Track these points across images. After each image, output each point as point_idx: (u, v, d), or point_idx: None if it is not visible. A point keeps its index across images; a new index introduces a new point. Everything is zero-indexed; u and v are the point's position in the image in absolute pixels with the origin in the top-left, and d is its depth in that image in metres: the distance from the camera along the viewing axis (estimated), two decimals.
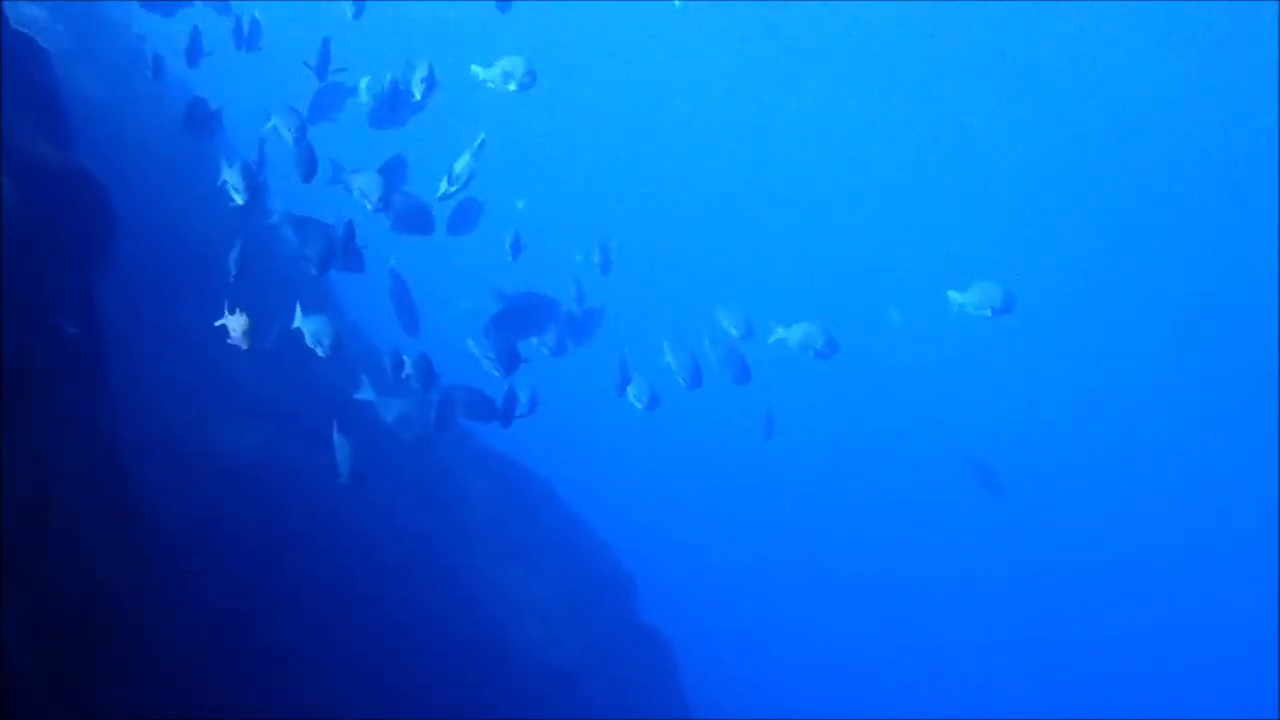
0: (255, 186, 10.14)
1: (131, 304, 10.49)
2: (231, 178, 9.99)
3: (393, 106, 12.11)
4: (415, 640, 12.76)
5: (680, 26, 33.62)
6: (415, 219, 11.87)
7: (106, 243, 8.42)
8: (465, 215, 12.47)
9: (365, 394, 12.19)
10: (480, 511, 15.39)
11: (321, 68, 11.97)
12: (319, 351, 10.08)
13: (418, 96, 11.61)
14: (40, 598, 6.25)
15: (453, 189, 11.65)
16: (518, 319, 12.39)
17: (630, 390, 12.45)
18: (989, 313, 12.86)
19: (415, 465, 13.89)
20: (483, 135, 11.71)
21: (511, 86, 11.45)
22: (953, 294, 13.04)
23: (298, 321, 10.23)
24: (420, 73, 11.52)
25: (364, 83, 12.40)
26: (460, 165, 11.72)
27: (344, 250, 11.10)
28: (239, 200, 10.04)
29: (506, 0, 12.08)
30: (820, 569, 39.29)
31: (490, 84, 11.51)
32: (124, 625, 7.18)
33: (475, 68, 11.50)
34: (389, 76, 12.12)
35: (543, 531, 16.60)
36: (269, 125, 11.26)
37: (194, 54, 11.56)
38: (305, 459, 11.73)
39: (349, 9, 11.35)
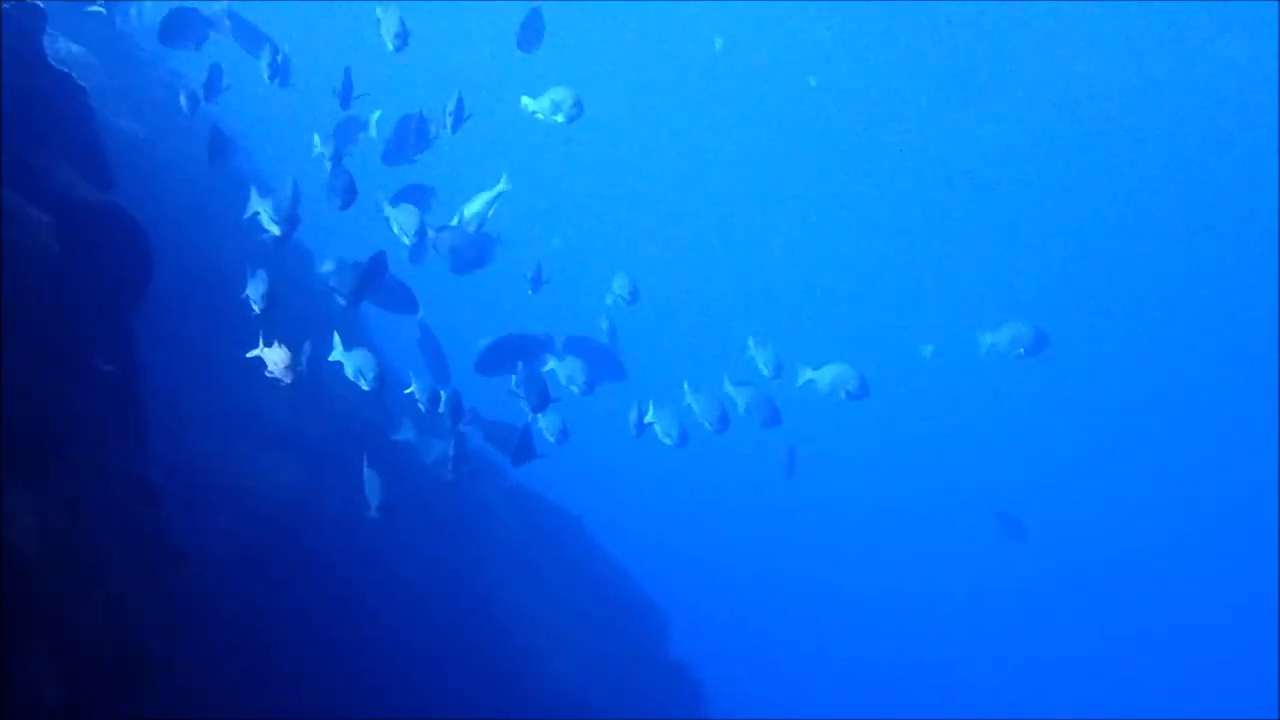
0: (291, 218, 10.09)
1: (166, 338, 10.54)
2: (264, 209, 9.96)
3: (418, 140, 12.11)
4: (445, 671, 12.78)
5: (715, 63, 33.74)
6: (466, 255, 11.82)
7: (142, 280, 8.45)
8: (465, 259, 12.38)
9: (406, 434, 12.16)
10: (509, 545, 15.40)
11: (345, 96, 11.99)
12: (362, 385, 10.08)
13: (448, 128, 11.61)
14: (72, 639, 6.27)
15: None
16: (505, 356, 12.34)
17: (658, 426, 12.36)
18: (1021, 352, 12.71)
19: (445, 500, 13.90)
20: (504, 184, 11.72)
21: (559, 118, 11.41)
22: (983, 335, 12.91)
23: (337, 354, 10.25)
24: (449, 104, 11.53)
25: (375, 116, 12.38)
26: (471, 209, 11.71)
27: (387, 289, 11.10)
28: (276, 231, 10.02)
29: (530, 42, 11.99)
30: (847, 603, 39.25)
31: (539, 115, 11.47)
32: (156, 662, 7.19)
33: (524, 98, 11.48)
34: (417, 112, 12.13)
35: (570, 565, 16.59)
36: (315, 152, 11.30)
37: (213, 89, 11.61)
38: (337, 492, 11.76)
39: (389, 40, 11.33)
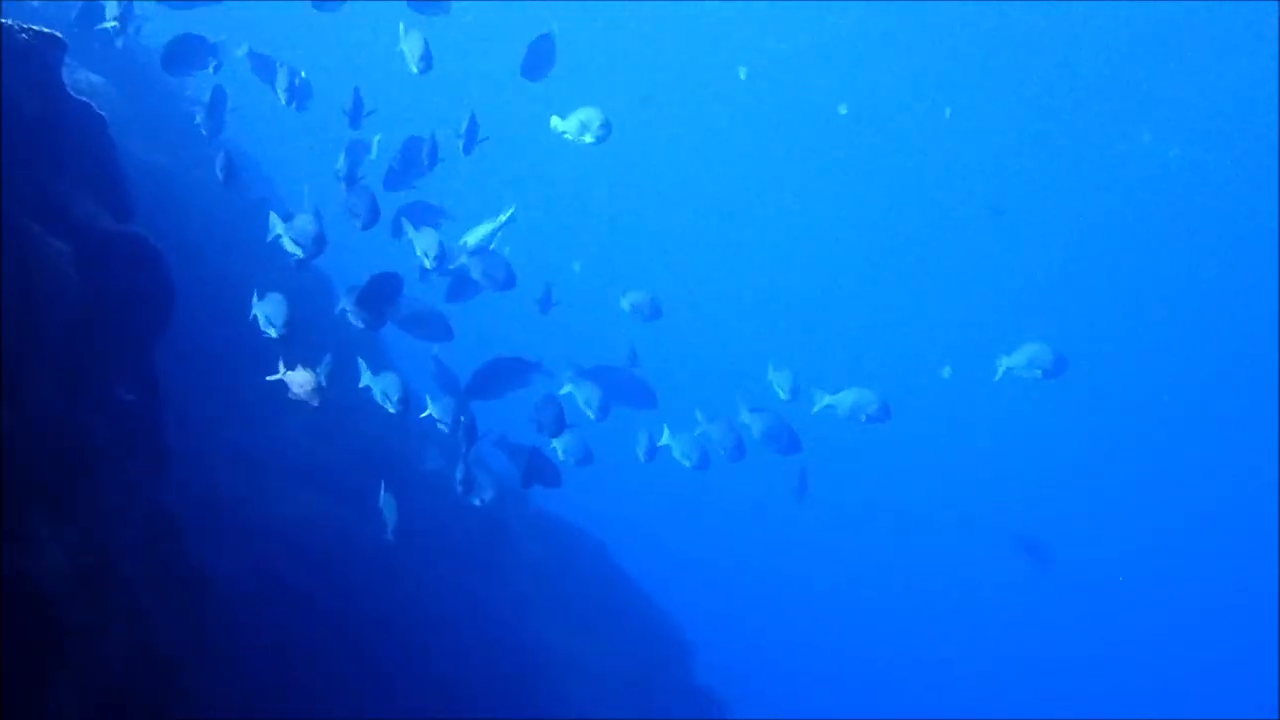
0: (318, 239, 9.95)
1: (190, 368, 10.54)
2: (285, 232, 9.93)
3: (422, 165, 12.03)
4: (466, 698, 12.73)
5: (737, 88, 33.76)
6: (499, 277, 11.73)
7: (164, 309, 8.44)
8: (466, 285, 12.26)
9: (434, 463, 12.13)
10: (532, 572, 15.33)
11: (354, 115, 11.94)
12: (389, 408, 10.07)
13: (460, 148, 11.49)
14: (99, 670, 6.26)
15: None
16: (495, 380, 12.25)
17: (675, 449, 12.27)
18: (1039, 374, 12.56)
19: (468, 527, 13.86)
20: (508, 214, 11.67)
21: (588, 138, 11.33)
22: (1000, 358, 12.76)
23: (365, 379, 10.24)
24: (462, 124, 11.44)
25: (376, 139, 12.27)
26: (474, 237, 11.64)
27: (420, 316, 11.06)
28: (300, 254, 10.01)
29: (538, 71, 11.86)
30: (860, 620, 39.22)
31: (567, 135, 11.40)
32: (182, 688, 7.19)
33: (554, 118, 11.40)
34: (430, 136, 12.04)
35: (591, 589, 16.51)
36: (343, 173, 11.30)
37: (216, 110, 11.52)
38: (358, 518, 11.72)
39: (413, 63, 11.26)
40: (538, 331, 14.37)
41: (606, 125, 11.25)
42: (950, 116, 32.43)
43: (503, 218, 11.72)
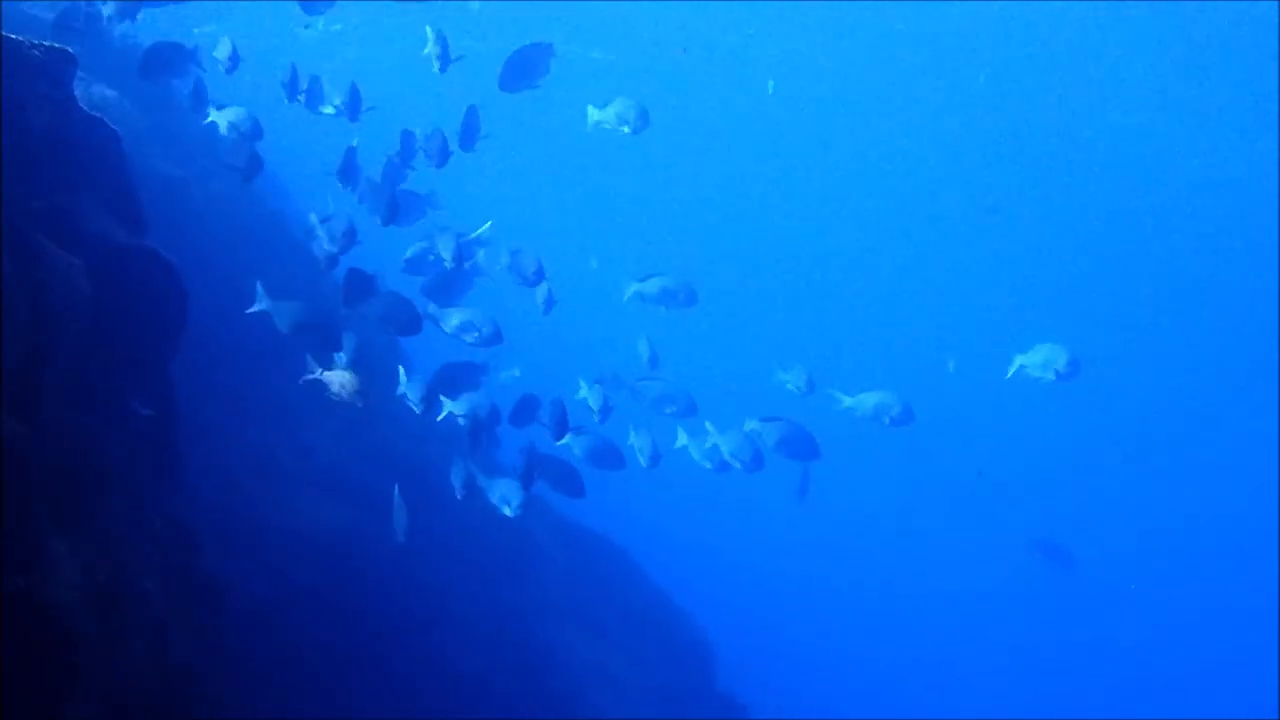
0: (349, 234, 10.17)
1: (208, 380, 10.54)
2: (322, 231, 10.11)
3: (441, 159, 11.99)
4: (488, 705, 12.72)
5: (761, 95, 33.72)
6: (528, 274, 11.70)
7: (179, 323, 8.42)
8: (449, 286, 12.19)
9: (460, 475, 12.14)
10: (556, 578, 15.29)
11: (353, 109, 11.92)
12: (414, 408, 10.15)
13: (455, 145, 11.43)
14: (113, 682, 6.26)
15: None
16: (444, 385, 12.22)
17: (693, 451, 12.21)
18: (1052, 376, 12.43)
19: (493, 535, 13.82)
20: (485, 229, 11.66)
21: (625, 129, 11.38)
22: (1016, 357, 12.63)
23: (403, 386, 10.28)
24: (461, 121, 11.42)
25: (354, 141, 12.16)
26: (445, 250, 11.60)
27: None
28: (333, 250, 10.15)
29: (519, 81, 11.79)
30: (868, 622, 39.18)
31: (605, 125, 11.43)
32: (201, 703, 7.19)
33: (591, 109, 11.45)
34: (437, 132, 11.96)
35: (617, 597, 16.47)
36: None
37: (198, 103, 11.44)
38: (380, 529, 11.70)
39: (434, 63, 11.29)
40: (558, 332, 14.29)
41: (643, 115, 11.32)
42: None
43: (477, 232, 11.76)
